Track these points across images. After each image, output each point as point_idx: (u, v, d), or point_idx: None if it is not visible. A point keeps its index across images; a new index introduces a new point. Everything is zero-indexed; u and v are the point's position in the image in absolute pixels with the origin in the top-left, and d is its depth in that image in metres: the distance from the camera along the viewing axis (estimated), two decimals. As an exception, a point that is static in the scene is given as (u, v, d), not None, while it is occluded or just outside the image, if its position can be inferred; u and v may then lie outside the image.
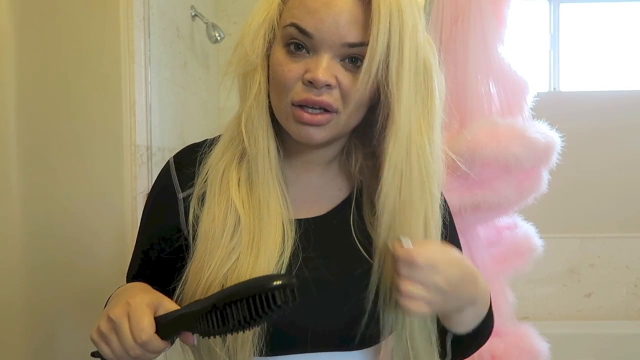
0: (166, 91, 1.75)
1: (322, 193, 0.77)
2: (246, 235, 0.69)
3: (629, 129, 2.59)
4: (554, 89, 2.76)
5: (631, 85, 2.72)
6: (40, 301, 1.39)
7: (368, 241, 0.73)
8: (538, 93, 1.66)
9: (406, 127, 0.66)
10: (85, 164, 1.41)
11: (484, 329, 0.76)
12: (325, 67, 0.64)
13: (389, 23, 0.63)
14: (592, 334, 2.46)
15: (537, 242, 1.63)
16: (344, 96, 0.66)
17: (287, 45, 0.67)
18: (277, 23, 0.68)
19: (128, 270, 0.81)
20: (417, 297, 0.62)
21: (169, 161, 0.77)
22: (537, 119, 1.63)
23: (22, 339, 1.36)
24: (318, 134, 0.67)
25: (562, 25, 2.78)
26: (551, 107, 1.92)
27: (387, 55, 0.64)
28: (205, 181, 0.72)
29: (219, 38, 2.10)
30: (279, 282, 0.57)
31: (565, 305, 2.63)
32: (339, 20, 0.63)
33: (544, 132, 1.57)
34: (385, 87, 0.65)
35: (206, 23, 2.10)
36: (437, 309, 0.66)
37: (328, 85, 0.65)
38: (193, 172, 0.74)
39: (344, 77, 0.66)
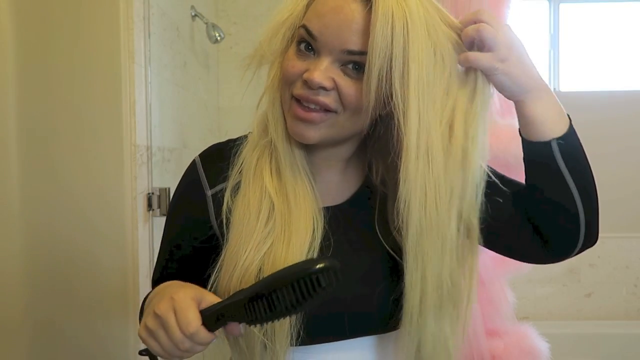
0: (166, 91, 1.75)
1: (342, 186, 0.79)
2: (279, 221, 0.71)
3: (629, 129, 2.59)
4: (554, 89, 2.76)
5: (631, 85, 2.72)
6: (40, 301, 1.39)
7: (389, 237, 0.74)
8: (538, 93, 1.66)
9: (422, 139, 0.65)
10: (85, 163, 1.41)
11: (582, 169, 0.73)
12: (323, 70, 0.66)
13: (391, 35, 0.62)
14: (592, 334, 2.47)
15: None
16: (343, 100, 0.67)
17: (298, 44, 0.69)
18: (298, 25, 0.70)
19: (154, 271, 0.82)
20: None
21: (195, 160, 0.78)
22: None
23: (22, 337, 1.36)
24: (310, 132, 0.69)
25: (562, 25, 2.78)
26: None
27: (390, 67, 0.63)
28: (240, 172, 0.74)
29: (219, 38, 2.10)
30: (322, 265, 0.58)
31: (565, 305, 2.63)
32: (343, 27, 0.64)
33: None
34: (390, 100, 0.65)
35: (206, 23, 2.10)
36: (502, 70, 0.67)
37: (324, 88, 0.66)
38: (227, 165, 0.75)
39: (342, 81, 0.66)
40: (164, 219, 1.56)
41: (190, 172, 0.78)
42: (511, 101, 0.71)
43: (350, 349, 0.74)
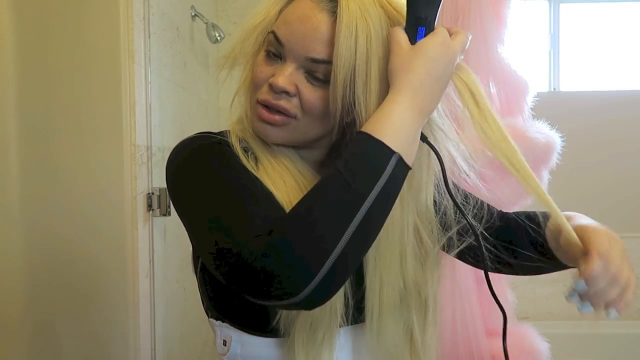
0: (166, 91, 1.75)
1: None
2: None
3: (629, 129, 2.59)
4: (554, 89, 2.76)
5: (631, 85, 2.72)
6: (39, 300, 1.39)
7: None
8: (538, 93, 1.66)
9: None
10: (85, 163, 1.41)
11: None
12: (287, 75, 0.68)
13: (355, 46, 0.65)
14: (592, 334, 2.46)
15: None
16: (303, 105, 0.69)
17: (267, 49, 0.71)
18: (269, 30, 0.72)
19: (270, 208, 0.64)
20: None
21: (208, 134, 0.74)
22: (537, 119, 1.63)
23: (22, 337, 1.36)
24: (274, 133, 0.71)
25: (562, 25, 2.78)
26: (551, 107, 1.91)
27: (354, 76, 0.66)
28: (250, 154, 0.73)
29: (219, 38, 2.10)
30: None
31: (565, 305, 2.62)
32: (308, 35, 0.67)
33: (544, 132, 1.57)
34: (353, 108, 0.67)
35: (206, 23, 2.10)
36: None
37: (287, 93, 0.69)
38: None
39: (305, 87, 0.69)
40: (164, 219, 1.59)
41: (213, 138, 0.73)
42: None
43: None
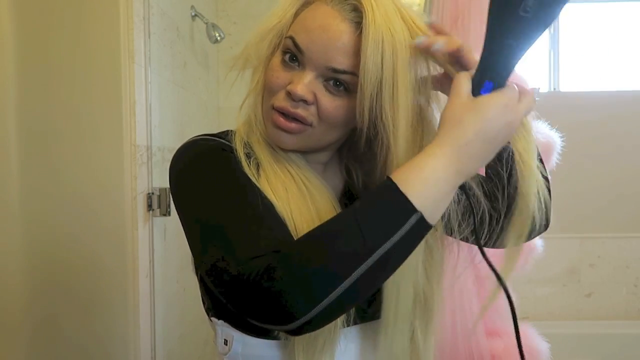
0: (166, 91, 1.75)
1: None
2: (307, 198, 0.71)
3: (629, 129, 2.59)
4: (554, 89, 2.76)
5: (631, 85, 2.72)
6: (40, 300, 1.39)
7: None
8: (538, 93, 1.66)
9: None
10: (85, 163, 1.41)
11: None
12: (306, 84, 0.67)
13: (381, 61, 0.64)
14: (592, 334, 2.47)
15: (537, 242, 1.63)
16: (320, 114, 0.69)
17: (284, 54, 0.70)
18: (285, 33, 0.71)
19: (274, 228, 0.63)
20: None
21: (207, 138, 0.74)
22: (537, 119, 1.63)
23: (22, 338, 1.36)
24: (289, 140, 0.71)
25: (562, 25, 2.78)
26: (551, 107, 1.91)
27: (380, 90, 0.65)
28: (253, 160, 0.72)
29: (219, 38, 2.10)
30: None
31: (565, 305, 2.63)
32: (329, 44, 0.66)
33: (544, 132, 1.57)
34: (380, 120, 0.67)
35: (206, 23, 2.10)
36: None
37: (305, 101, 0.68)
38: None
39: (323, 96, 0.68)
40: (164, 219, 1.59)
41: (215, 142, 0.73)
42: None
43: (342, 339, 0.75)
